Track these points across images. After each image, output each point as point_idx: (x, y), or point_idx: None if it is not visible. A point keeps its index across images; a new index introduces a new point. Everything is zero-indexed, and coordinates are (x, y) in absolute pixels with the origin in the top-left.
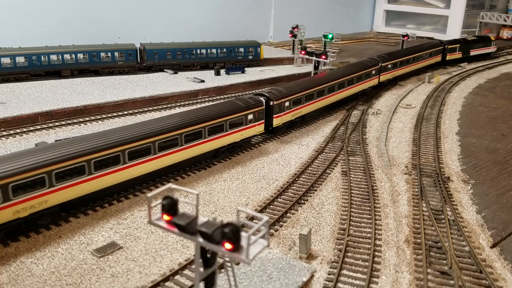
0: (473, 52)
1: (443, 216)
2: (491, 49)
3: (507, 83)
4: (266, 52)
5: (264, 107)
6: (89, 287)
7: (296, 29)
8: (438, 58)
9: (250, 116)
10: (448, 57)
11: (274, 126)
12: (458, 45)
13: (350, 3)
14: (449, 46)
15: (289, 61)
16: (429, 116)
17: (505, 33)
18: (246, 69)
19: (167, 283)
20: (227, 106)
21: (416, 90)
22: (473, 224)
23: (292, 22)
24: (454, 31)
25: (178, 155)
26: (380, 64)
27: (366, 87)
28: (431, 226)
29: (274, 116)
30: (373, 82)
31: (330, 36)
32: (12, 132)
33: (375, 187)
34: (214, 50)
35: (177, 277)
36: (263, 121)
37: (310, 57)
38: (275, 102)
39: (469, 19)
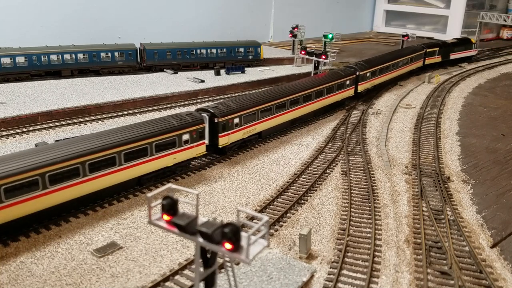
0: (453, 56)
1: (443, 216)
2: (472, 52)
3: (507, 83)
4: (266, 52)
5: (205, 125)
6: (89, 287)
7: (296, 29)
8: (419, 63)
9: (186, 136)
10: (427, 61)
11: (220, 146)
12: (437, 48)
13: (350, 3)
14: (428, 50)
15: (289, 61)
16: (429, 116)
17: (505, 33)
18: (246, 69)
19: (167, 283)
20: (153, 126)
21: (416, 90)
22: (473, 224)
23: (292, 22)
24: (454, 31)
25: (80, 187)
26: (357, 73)
27: (340, 98)
28: (431, 226)
29: (220, 135)
30: (348, 93)
31: (330, 36)
32: (12, 132)
33: (375, 187)
34: (214, 50)
35: (177, 277)
36: (204, 141)
37: (310, 57)
38: (220, 119)
39: (469, 19)
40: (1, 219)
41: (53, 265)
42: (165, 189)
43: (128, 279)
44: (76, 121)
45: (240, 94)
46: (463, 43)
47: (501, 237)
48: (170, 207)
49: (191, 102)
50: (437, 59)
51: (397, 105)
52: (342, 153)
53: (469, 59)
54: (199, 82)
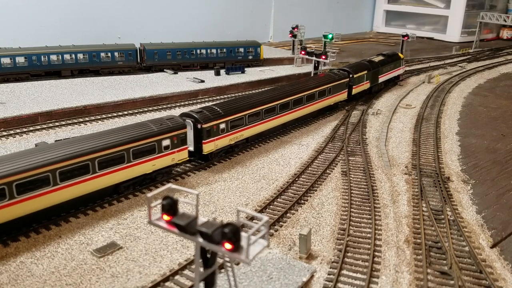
0: (381, 78)
1: (443, 216)
2: (400, 70)
3: (507, 83)
4: (266, 52)
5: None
6: (89, 287)
7: (296, 29)
8: (341, 96)
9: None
10: (355, 90)
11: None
12: (366, 71)
13: (350, 3)
14: (356, 75)
15: (289, 61)
16: (429, 116)
17: (505, 33)
18: (246, 69)
19: (167, 283)
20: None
21: (416, 90)
22: (473, 224)
23: (292, 22)
24: (454, 31)
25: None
26: (199, 125)
27: (158, 167)
28: (431, 226)
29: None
30: (171, 159)
31: (330, 36)
32: (12, 132)
33: (375, 187)
34: (214, 50)
35: (177, 277)
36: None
37: (310, 57)
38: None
39: (469, 19)
40: None
41: (53, 265)
42: (165, 189)
43: (128, 279)
44: (76, 121)
45: (240, 94)
46: (391, 60)
47: (501, 237)
48: (170, 207)
49: (191, 102)
50: (365, 85)
51: (397, 105)
52: (342, 153)
53: (397, 79)
54: (199, 82)
